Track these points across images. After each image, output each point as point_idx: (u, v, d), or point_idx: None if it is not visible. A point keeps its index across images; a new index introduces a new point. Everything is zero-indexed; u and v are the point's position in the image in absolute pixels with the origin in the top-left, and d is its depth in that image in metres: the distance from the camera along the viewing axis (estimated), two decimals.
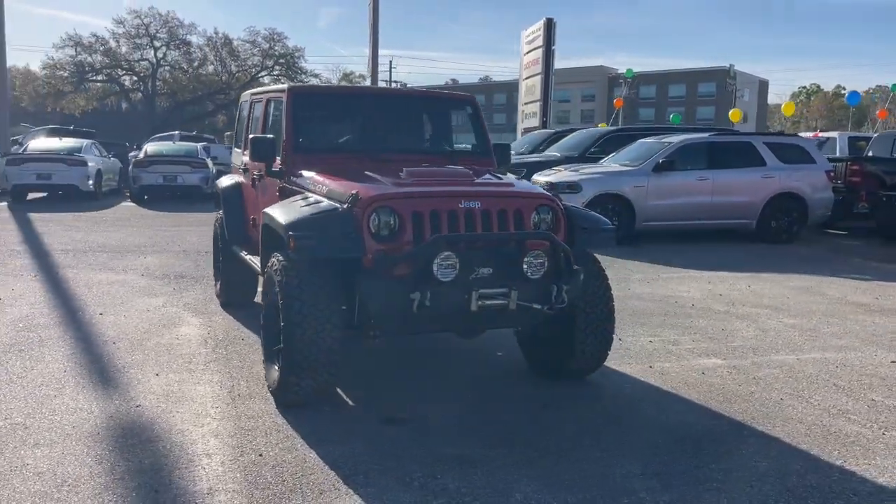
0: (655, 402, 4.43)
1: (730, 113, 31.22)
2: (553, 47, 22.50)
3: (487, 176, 4.76)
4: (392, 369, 5.04)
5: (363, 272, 3.85)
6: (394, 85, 74.70)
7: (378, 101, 5.63)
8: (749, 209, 11.58)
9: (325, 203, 4.14)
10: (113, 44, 58.02)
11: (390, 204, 3.94)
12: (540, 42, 22.65)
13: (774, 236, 11.66)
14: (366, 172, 4.43)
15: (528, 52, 24.08)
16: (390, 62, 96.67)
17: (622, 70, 60.12)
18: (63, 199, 16.98)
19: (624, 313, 6.63)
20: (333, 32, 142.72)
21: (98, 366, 4.82)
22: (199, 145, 20.12)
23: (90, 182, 16.95)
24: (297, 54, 61.38)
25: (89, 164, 17.08)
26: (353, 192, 4.01)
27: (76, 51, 57.02)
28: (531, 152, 15.49)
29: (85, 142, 18.56)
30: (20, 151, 18.11)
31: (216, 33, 60.55)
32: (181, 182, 17.19)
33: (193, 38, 60.29)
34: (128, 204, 16.97)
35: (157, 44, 59.15)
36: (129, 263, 8.77)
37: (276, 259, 4.04)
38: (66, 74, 57.22)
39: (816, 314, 6.85)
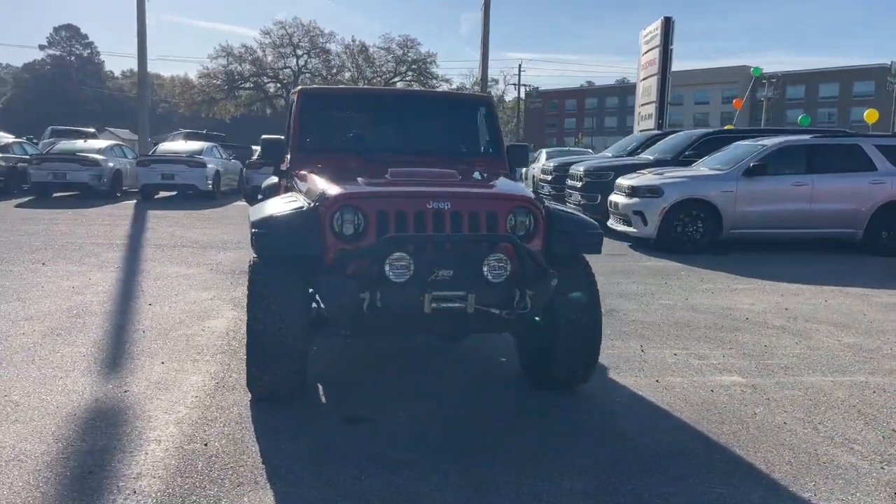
0: (639, 418, 4.18)
1: (864, 114, 28.76)
2: (671, 47, 21.67)
3: (477, 177, 4.67)
4: (384, 368, 5.05)
5: (322, 270, 3.89)
6: (522, 89, 74.33)
7: (388, 102, 5.65)
8: (854, 218, 10.65)
9: (300, 202, 4.21)
10: (260, 53, 61.51)
11: (355, 203, 3.94)
12: (657, 42, 21.89)
13: (885, 248, 10.66)
14: (357, 173, 4.47)
15: (645, 53, 23.34)
16: (519, 65, 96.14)
17: (765, 69, 56.87)
18: (185, 198, 18.31)
19: (664, 325, 6.31)
20: (473, 38, 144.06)
21: (116, 352, 5.14)
22: None
23: (209, 182, 18.23)
24: (429, 60, 62.54)
25: (208, 165, 18.38)
26: (322, 191, 4.06)
27: (227, 61, 60.88)
28: (629, 154, 15.00)
29: (207, 145, 19.93)
30: (149, 154, 19.63)
31: (353, 41, 62.82)
32: (176, 181, 18.16)
33: (332, 46, 62.83)
34: (240, 203, 17.95)
35: (299, 52, 62.14)
36: (206, 258, 9.29)
37: (252, 257, 4.16)
38: (218, 83, 61.22)
39: (887, 334, 6.21)
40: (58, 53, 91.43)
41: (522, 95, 76.15)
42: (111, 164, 18.47)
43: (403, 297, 3.76)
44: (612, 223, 11.55)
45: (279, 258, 3.97)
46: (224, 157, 20.35)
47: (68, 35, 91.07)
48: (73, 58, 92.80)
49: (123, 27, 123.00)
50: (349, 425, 3.96)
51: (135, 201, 17.66)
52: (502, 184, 4.50)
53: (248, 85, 61.91)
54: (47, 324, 5.84)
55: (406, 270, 3.74)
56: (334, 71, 62.18)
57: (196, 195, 18.28)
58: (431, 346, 5.44)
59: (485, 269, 3.84)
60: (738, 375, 5.00)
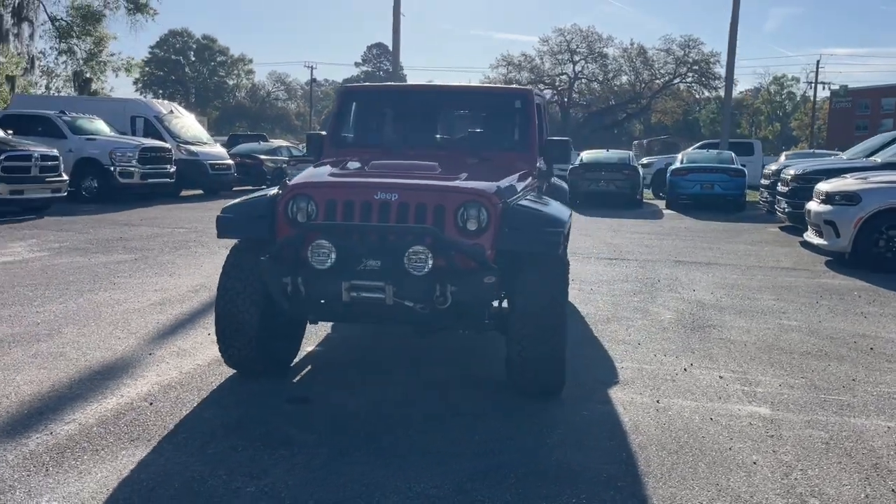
0: (582, 434, 3.79)
1: None
2: None
3: (461, 171, 4.52)
4: (383, 355, 5.14)
5: (267, 255, 4.11)
6: (825, 87, 67.35)
7: (421, 98, 5.65)
8: None
9: (274, 191, 4.48)
10: (538, 61, 63.00)
11: (308, 192, 4.11)
12: None
13: None
14: (357, 165, 4.63)
15: None
16: (817, 62, 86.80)
17: None
18: None
19: (753, 346, 5.61)
20: (781, 34, 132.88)
21: (180, 324, 5.83)
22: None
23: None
24: (712, 60, 59.33)
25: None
26: (287, 180, 4.29)
27: (507, 69, 63.28)
28: (868, 156, 13.00)
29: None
30: None
31: (631, 44, 61.63)
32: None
33: (609, 51, 62.25)
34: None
35: (576, 58, 62.53)
36: None
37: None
38: None
39: None
40: (369, 69, 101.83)
41: (824, 93, 68.74)
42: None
43: (323, 283, 3.85)
44: (807, 234, 10.18)
45: (231, 238, 4.28)
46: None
47: (378, 52, 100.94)
48: (381, 72, 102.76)
49: (422, 43, 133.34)
50: (289, 404, 4.14)
51: None
52: (480, 178, 4.32)
53: None
54: None
55: (327, 258, 3.83)
56: (611, 75, 61.65)
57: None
58: (440, 342, 5.39)
59: (405, 261, 3.78)
60: (767, 407, 4.27)
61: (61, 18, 24.60)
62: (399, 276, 3.79)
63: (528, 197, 4.42)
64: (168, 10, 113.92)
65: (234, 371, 4.55)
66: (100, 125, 16.80)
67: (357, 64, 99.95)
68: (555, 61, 62.65)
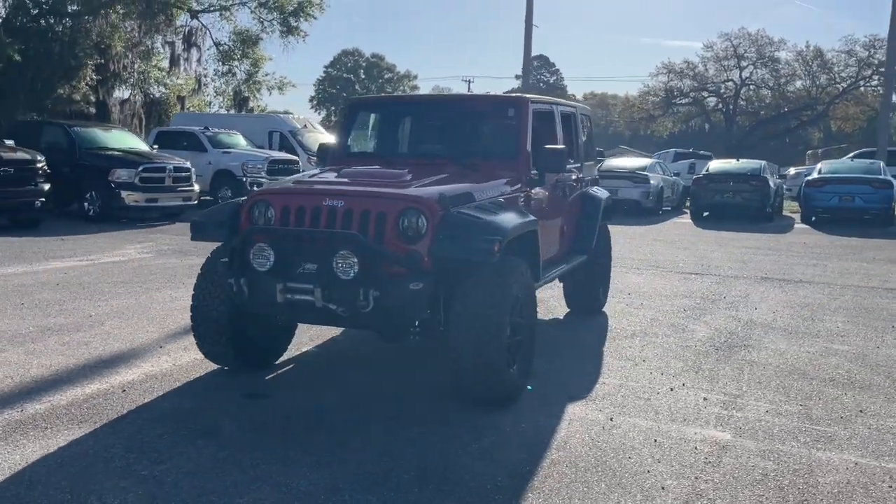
0: (506, 447, 3.70)
1: None
2: None
3: (432, 179, 4.50)
4: (374, 359, 5.26)
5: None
6: None
7: (421, 107, 5.68)
8: None
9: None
10: (701, 68, 60.40)
11: (267, 198, 4.33)
12: None
13: None
14: (329, 174, 4.82)
15: None
16: None
17: None
18: (625, 214, 17.42)
19: (773, 368, 5.27)
20: None
21: None
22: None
23: (650, 198, 18.25)
24: None
25: (651, 181, 18.35)
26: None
27: (668, 77, 61.23)
28: None
29: (650, 161, 20.35)
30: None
31: (807, 47, 57.54)
32: (621, 196, 17.83)
33: (782, 54, 58.50)
34: (680, 220, 17.75)
35: (743, 63, 59.33)
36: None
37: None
38: (657, 100, 62.02)
39: None
40: (530, 81, 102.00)
41: None
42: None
43: (260, 285, 4.04)
44: None
45: (200, 241, 4.57)
46: (666, 173, 20.31)
47: (539, 64, 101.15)
48: (542, 84, 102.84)
49: (584, 54, 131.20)
50: (244, 399, 4.36)
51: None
52: (440, 185, 4.34)
53: (685, 101, 61.27)
54: None
55: (266, 260, 4.02)
56: (783, 80, 57.87)
57: (636, 211, 17.88)
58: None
59: (334, 265, 3.89)
60: (729, 433, 3.95)
61: (224, 43, 26.91)
62: (328, 280, 3.90)
63: (486, 205, 4.37)
64: (341, 32, 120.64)
65: (221, 366, 4.85)
66: (238, 139, 18.19)
67: (517, 76, 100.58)
68: (720, 67, 59.71)
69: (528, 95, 5.28)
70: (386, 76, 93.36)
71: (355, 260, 3.85)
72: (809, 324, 6.57)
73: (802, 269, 9.86)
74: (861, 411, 4.35)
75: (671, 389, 4.67)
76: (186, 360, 5.06)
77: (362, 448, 3.66)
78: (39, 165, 12.06)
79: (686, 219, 18.18)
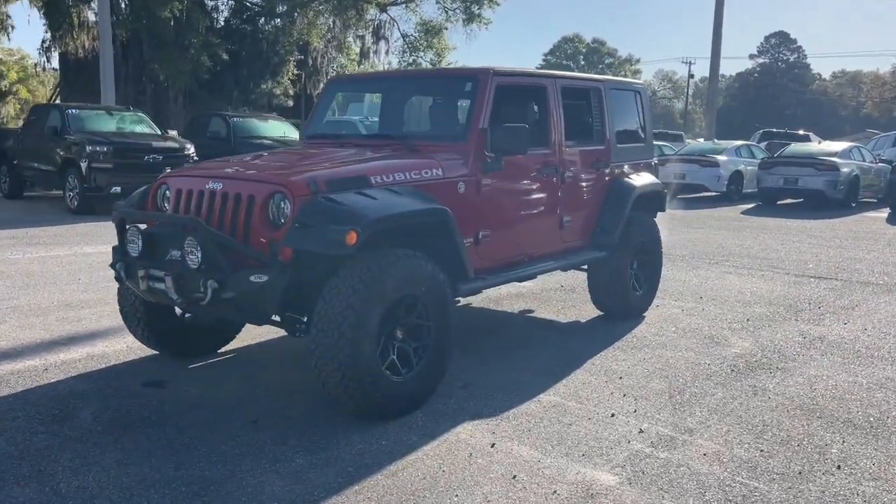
0: (344, 463, 3.23)
1: None
2: None
3: (330, 161, 4.07)
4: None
5: None
6: None
7: (392, 84, 5.10)
8: None
9: None
10: None
11: (166, 181, 4.18)
12: None
13: None
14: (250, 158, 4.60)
15: None
16: None
17: None
18: (808, 207, 16.10)
19: (796, 403, 4.26)
20: None
21: None
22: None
23: (839, 189, 15.69)
24: None
25: (842, 169, 15.78)
26: None
27: None
28: None
29: (845, 146, 17.26)
30: (774, 156, 17.83)
31: None
32: (802, 185, 15.57)
33: None
34: (874, 214, 15.32)
35: None
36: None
37: None
38: None
39: None
40: (766, 61, 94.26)
41: None
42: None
43: (131, 271, 3.89)
44: None
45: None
46: (867, 160, 17.24)
47: (777, 42, 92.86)
48: (780, 63, 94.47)
49: (835, 28, 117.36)
50: (145, 386, 4.23)
51: (754, 204, 16.42)
52: (335, 168, 3.93)
53: None
54: None
55: (136, 246, 3.86)
56: None
57: (821, 202, 15.81)
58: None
59: (181, 252, 3.64)
60: (623, 478, 3.14)
61: (410, 35, 27.54)
62: (175, 268, 3.66)
63: (379, 191, 3.82)
64: (561, 18, 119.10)
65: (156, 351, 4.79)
66: None
67: (752, 56, 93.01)
68: None
69: (492, 67, 4.57)
70: (606, 61, 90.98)
71: (198, 247, 3.56)
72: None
73: None
74: (838, 467, 3.27)
75: (612, 415, 3.85)
76: (135, 343, 4.95)
77: (185, 450, 3.37)
78: (188, 153, 13.04)
79: (885, 213, 15.47)
